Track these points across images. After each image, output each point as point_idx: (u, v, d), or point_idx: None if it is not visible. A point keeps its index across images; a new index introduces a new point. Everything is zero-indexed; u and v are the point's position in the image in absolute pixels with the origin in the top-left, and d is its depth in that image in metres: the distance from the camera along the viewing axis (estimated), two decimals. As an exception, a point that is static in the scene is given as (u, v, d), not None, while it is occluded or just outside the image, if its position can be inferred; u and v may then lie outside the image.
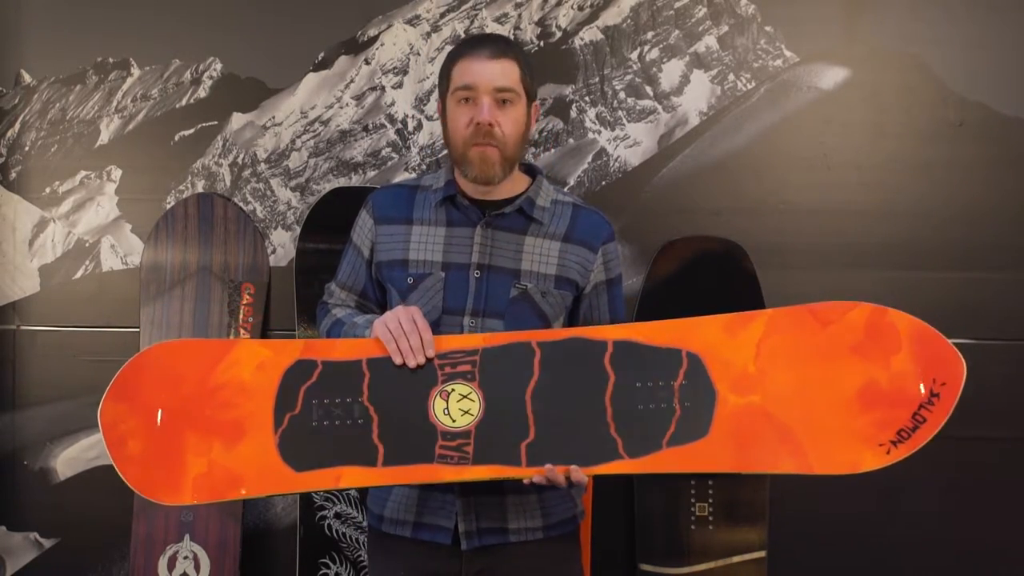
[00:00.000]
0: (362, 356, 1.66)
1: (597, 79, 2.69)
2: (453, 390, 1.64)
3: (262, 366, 1.66)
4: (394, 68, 2.73)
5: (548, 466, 1.58)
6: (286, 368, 1.66)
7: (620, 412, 1.63)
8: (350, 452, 1.62)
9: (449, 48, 2.66)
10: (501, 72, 1.67)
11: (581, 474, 1.59)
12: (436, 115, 2.68)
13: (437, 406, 1.64)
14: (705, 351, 1.65)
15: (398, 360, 1.63)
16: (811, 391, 1.63)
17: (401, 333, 1.63)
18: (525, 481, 1.60)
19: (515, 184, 1.76)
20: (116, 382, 1.64)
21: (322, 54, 2.73)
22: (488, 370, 1.64)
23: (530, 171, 1.80)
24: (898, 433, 1.59)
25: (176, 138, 2.75)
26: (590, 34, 2.69)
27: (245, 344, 1.73)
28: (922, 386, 1.60)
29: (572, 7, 2.69)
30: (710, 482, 2.46)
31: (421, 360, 1.63)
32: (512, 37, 2.67)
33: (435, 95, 2.71)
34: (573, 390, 1.64)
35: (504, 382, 1.64)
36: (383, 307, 1.84)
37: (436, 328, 1.69)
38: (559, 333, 1.69)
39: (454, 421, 1.63)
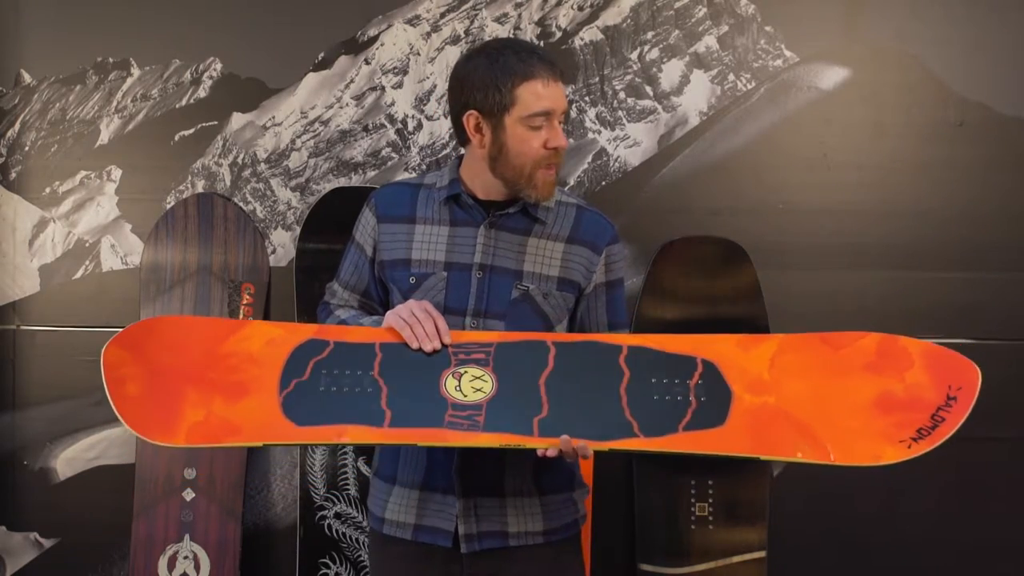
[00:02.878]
0: (376, 340, 1.66)
1: (597, 79, 2.69)
2: (466, 371, 1.63)
3: (273, 342, 1.66)
4: (394, 68, 2.73)
5: (564, 437, 1.53)
6: (297, 344, 1.66)
7: (635, 400, 1.61)
8: (356, 414, 1.59)
9: (450, 47, 2.67)
10: (564, 93, 1.69)
11: (587, 447, 1.54)
12: (436, 115, 2.71)
13: (449, 383, 1.62)
14: (720, 360, 1.66)
15: (414, 344, 1.63)
16: (827, 399, 1.62)
17: (416, 320, 1.63)
18: (539, 453, 1.56)
19: None
20: (125, 332, 1.62)
21: (322, 54, 2.73)
22: (502, 359, 1.64)
23: None
24: (918, 431, 1.57)
25: (176, 138, 2.75)
26: (590, 34, 2.69)
27: (257, 323, 1.72)
28: (938, 392, 1.59)
29: (572, 7, 2.69)
30: (710, 482, 2.46)
31: (437, 345, 1.63)
32: (512, 37, 2.67)
33: (435, 95, 2.71)
34: (588, 380, 1.63)
35: (518, 370, 1.63)
36: (386, 306, 1.83)
37: None
38: (575, 337, 1.70)
39: (465, 396, 1.60)
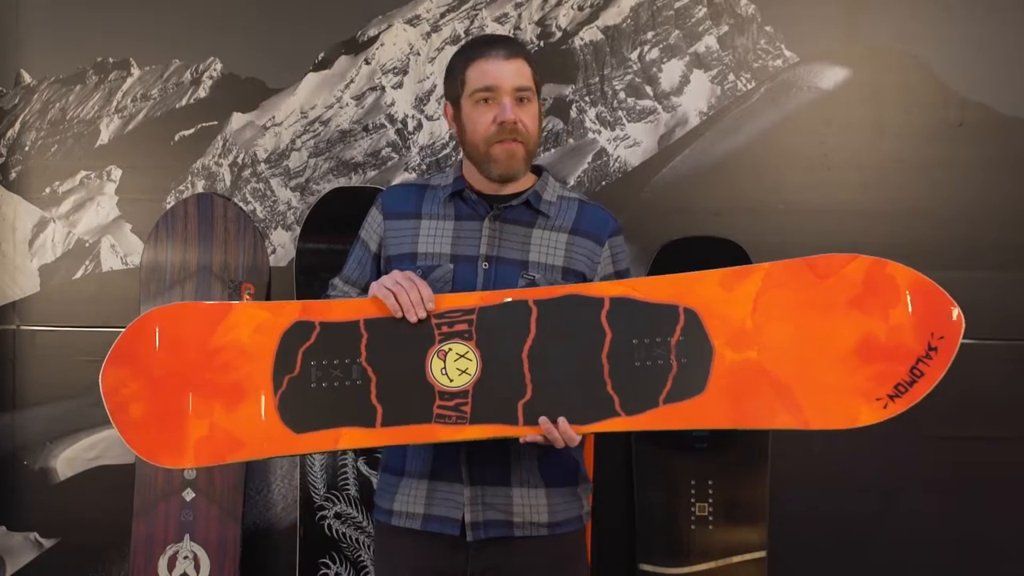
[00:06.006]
0: (360, 316, 1.67)
1: (597, 79, 2.69)
2: (450, 349, 1.65)
3: (260, 328, 1.67)
4: (394, 68, 2.73)
5: (543, 418, 1.60)
6: (284, 330, 1.67)
7: (617, 369, 1.63)
8: (348, 413, 1.64)
9: (449, 47, 2.67)
10: (518, 71, 1.71)
11: (572, 432, 1.60)
12: (436, 115, 2.71)
13: (435, 366, 1.65)
14: (702, 306, 1.65)
15: (398, 314, 1.65)
16: (808, 345, 1.63)
17: (400, 289, 1.65)
18: (521, 440, 1.61)
19: (522, 181, 1.79)
20: (117, 347, 1.66)
21: (322, 54, 2.73)
22: (485, 329, 1.65)
23: (536, 170, 1.83)
24: (895, 387, 1.59)
25: (176, 138, 2.75)
26: (590, 34, 2.69)
27: (243, 307, 1.74)
28: (920, 339, 1.59)
29: (572, 7, 2.69)
30: (710, 482, 2.46)
31: (422, 314, 1.64)
32: (512, 37, 2.67)
33: (435, 95, 2.71)
34: (570, 347, 1.65)
35: (501, 341, 1.65)
36: None
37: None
38: (556, 290, 1.69)
39: (451, 381, 1.64)
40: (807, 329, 1.63)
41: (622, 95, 2.69)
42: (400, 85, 2.73)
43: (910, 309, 1.62)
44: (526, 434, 1.61)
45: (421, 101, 2.73)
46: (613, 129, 2.69)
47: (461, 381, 1.64)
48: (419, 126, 2.72)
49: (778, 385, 1.62)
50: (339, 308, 1.70)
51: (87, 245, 2.76)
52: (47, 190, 2.77)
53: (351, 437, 1.64)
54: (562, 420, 1.60)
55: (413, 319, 1.64)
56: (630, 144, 2.68)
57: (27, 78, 2.77)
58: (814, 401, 1.61)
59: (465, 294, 1.69)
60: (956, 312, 1.61)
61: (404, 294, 1.64)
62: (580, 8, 2.69)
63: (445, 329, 1.65)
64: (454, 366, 1.64)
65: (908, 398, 1.59)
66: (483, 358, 1.64)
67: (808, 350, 1.63)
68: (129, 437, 1.64)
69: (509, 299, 1.67)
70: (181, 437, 1.63)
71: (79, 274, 2.76)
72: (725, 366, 1.63)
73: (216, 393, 1.65)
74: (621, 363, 1.64)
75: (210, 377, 1.65)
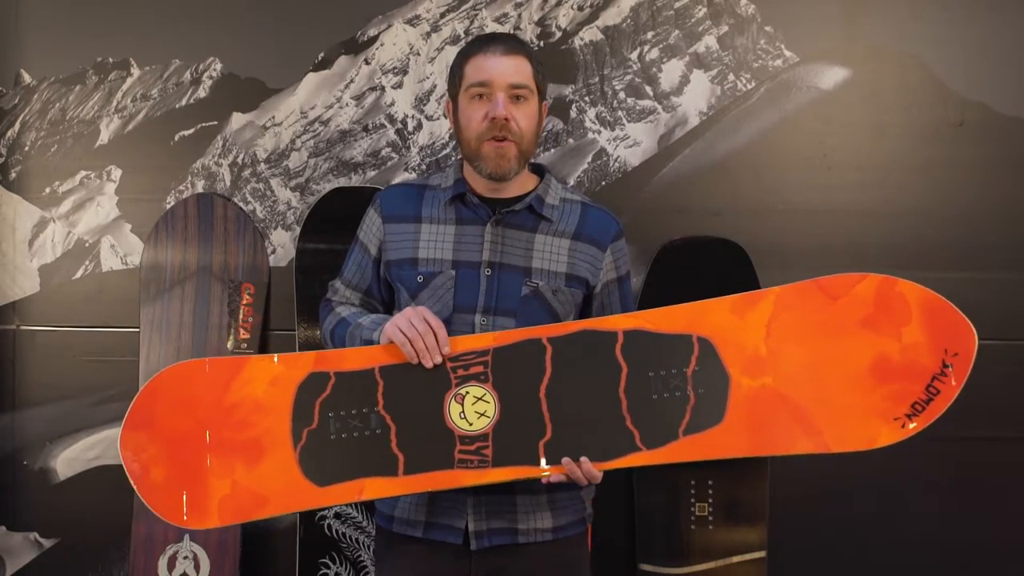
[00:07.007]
0: (374, 364, 1.66)
1: (597, 79, 2.69)
2: (467, 392, 1.64)
3: (275, 382, 1.67)
4: (394, 68, 2.73)
5: (566, 459, 1.60)
6: (299, 382, 1.67)
7: (635, 403, 1.63)
8: (370, 463, 1.63)
9: (449, 47, 2.68)
10: (515, 68, 1.69)
11: (594, 470, 1.60)
12: (436, 115, 2.71)
13: (453, 410, 1.64)
14: (716, 335, 1.66)
15: (414, 360, 1.64)
16: (823, 368, 1.63)
17: (416, 334, 1.63)
18: (543, 479, 1.62)
19: (524, 183, 1.77)
20: (132, 410, 1.65)
21: (322, 54, 2.73)
22: (501, 370, 1.65)
23: (537, 170, 1.81)
24: (912, 406, 1.59)
25: (176, 138, 2.75)
26: (590, 34, 2.69)
27: (256, 361, 1.72)
28: (934, 357, 1.60)
29: (572, 7, 2.69)
30: (710, 482, 2.45)
31: (438, 359, 1.64)
32: (516, 36, 2.67)
33: (435, 95, 2.71)
34: (587, 384, 1.65)
35: (517, 381, 1.64)
36: (388, 306, 1.83)
37: (447, 326, 1.69)
38: (569, 327, 1.68)
39: (471, 424, 1.63)
40: (821, 352, 1.64)
41: (622, 95, 2.69)
42: (400, 85, 2.73)
43: (922, 327, 1.62)
44: (549, 474, 1.61)
45: (421, 101, 2.73)
46: (613, 129, 2.69)
47: (480, 424, 1.63)
48: (419, 126, 2.72)
49: (796, 410, 1.62)
50: (353, 357, 1.68)
51: (87, 245, 2.76)
52: (47, 190, 2.77)
53: (375, 487, 1.63)
54: (585, 460, 1.60)
55: (429, 364, 1.63)
56: (630, 144, 2.68)
57: (27, 78, 2.77)
58: (832, 424, 1.61)
59: (479, 335, 1.68)
60: (969, 327, 1.61)
61: (419, 340, 1.63)
62: (580, 8, 2.69)
63: (461, 372, 1.65)
64: (472, 409, 1.64)
65: (925, 416, 1.59)
66: (501, 400, 1.64)
67: (823, 373, 1.63)
68: (152, 501, 1.62)
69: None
70: (204, 498, 1.62)
71: (79, 274, 2.76)
72: (742, 394, 1.63)
73: (236, 450, 1.64)
74: (639, 397, 1.64)
75: (228, 435, 1.64)
